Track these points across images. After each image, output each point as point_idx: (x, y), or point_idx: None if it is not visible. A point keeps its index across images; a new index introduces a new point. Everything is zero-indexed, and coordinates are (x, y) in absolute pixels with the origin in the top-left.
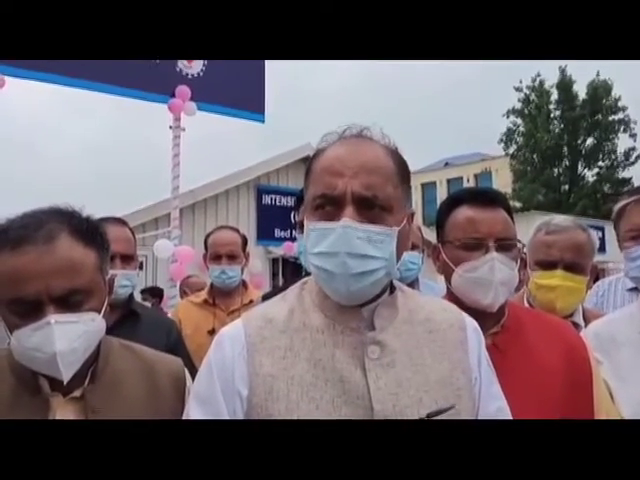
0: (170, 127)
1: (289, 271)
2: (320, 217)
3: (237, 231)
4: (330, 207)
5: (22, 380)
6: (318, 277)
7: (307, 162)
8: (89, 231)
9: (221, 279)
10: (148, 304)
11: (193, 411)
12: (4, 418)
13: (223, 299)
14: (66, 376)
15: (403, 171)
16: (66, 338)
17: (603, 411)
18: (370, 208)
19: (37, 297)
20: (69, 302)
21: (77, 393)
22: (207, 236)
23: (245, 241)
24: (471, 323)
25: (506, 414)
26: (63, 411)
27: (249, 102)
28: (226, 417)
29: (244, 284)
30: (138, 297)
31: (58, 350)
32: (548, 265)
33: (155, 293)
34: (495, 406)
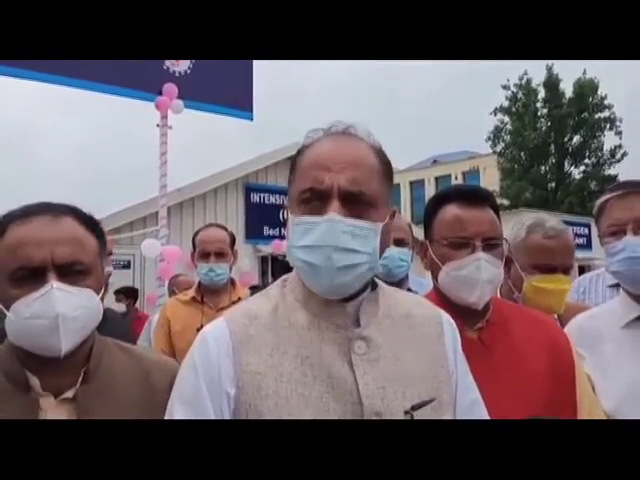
0: (157, 125)
1: (278, 269)
2: (305, 211)
3: (225, 229)
4: (316, 201)
5: (12, 379)
6: (302, 271)
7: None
8: (91, 222)
9: (209, 277)
10: (123, 305)
11: (177, 412)
12: None
13: (211, 297)
14: (65, 345)
15: (387, 169)
16: (67, 304)
17: (585, 405)
18: (355, 203)
19: (42, 263)
20: (71, 272)
21: (69, 394)
22: (195, 234)
23: (233, 239)
24: (446, 317)
25: (480, 405)
26: (55, 413)
27: (237, 100)
28: (212, 417)
29: (232, 282)
30: (112, 297)
31: (60, 312)
32: (549, 269)
33: (130, 294)
34: (470, 397)
